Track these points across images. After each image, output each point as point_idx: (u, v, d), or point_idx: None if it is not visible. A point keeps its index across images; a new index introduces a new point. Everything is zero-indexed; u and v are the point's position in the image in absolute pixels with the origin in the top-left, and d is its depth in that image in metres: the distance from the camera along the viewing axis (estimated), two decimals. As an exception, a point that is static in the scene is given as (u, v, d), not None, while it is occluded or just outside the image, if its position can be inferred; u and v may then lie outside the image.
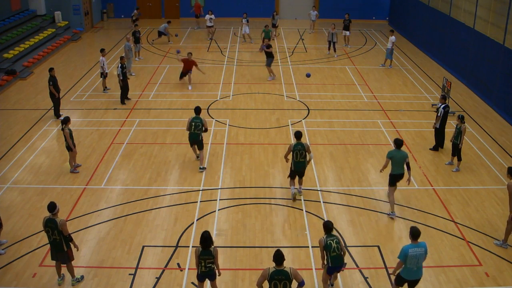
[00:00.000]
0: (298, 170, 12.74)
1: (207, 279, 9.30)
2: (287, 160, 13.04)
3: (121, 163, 15.02)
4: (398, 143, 12.20)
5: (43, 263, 10.70)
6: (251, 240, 11.56)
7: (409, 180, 12.24)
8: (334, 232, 9.42)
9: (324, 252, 9.27)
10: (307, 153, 12.59)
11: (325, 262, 9.35)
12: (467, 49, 22.38)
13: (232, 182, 14.01)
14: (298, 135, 12.66)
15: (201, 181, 13.99)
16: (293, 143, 12.61)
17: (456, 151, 14.64)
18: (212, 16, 28.85)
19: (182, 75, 21.31)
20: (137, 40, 25.00)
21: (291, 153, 12.61)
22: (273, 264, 8.53)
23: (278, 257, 8.40)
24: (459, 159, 14.71)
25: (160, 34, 28.31)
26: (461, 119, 14.38)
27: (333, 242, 9.18)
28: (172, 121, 17.91)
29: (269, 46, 21.86)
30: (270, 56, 21.99)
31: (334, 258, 9.21)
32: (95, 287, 10.04)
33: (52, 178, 14.18)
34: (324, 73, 23.46)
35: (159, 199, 13.14)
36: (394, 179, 12.30)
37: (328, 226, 9.32)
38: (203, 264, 9.01)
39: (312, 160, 12.85)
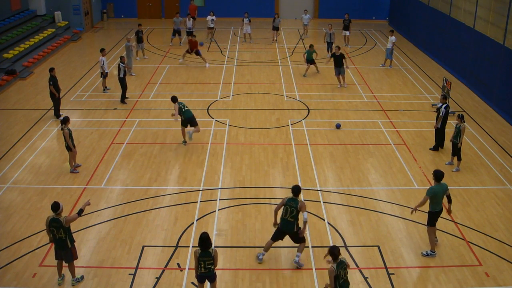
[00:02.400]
0: (284, 230, 10.53)
1: (207, 280, 9.30)
2: (275, 217, 10.81)
3: (121, 163, 15.02)
4: (439, 175, 10.70)
5: (43, 263, 10.70)
6: (251, 240, 11.56)
7: (449, 211, 11.20)
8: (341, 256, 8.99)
9: (334, 280, 8.84)
10: (300, 212, 10.39)
11: None
12: (467, 49, 22.38)
13: (232, 182, 14.01)
14: (295, 190, 10.48)
15: (201, 181, 13.99)
16: (286, 197, 10.58)
17: (456, 151, 14.64)
18: (214, 17, 28.74)
19: (189, 51, 24.14)
20: (139, 40, 25.06)
21: (282, 207, 10.52)
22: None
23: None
24: (459, 159, 14.71)
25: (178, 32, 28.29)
26: (461, 118, 14.39)
27: (342, 270, 8.86)
28: (172, 121, 17.88)
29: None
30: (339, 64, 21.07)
31: (342, 284, 8.94)
32: (95, 287, 10.05)
33: (52, 178, 14.18)
34: (324, 73, 23.43)
35: (159, 199, 13.14)
36: (436, 217, 10.90)
37: (335, 253, 8.79)
38: (202, 265, 9.02)
39: (305, 218, 10.40)
